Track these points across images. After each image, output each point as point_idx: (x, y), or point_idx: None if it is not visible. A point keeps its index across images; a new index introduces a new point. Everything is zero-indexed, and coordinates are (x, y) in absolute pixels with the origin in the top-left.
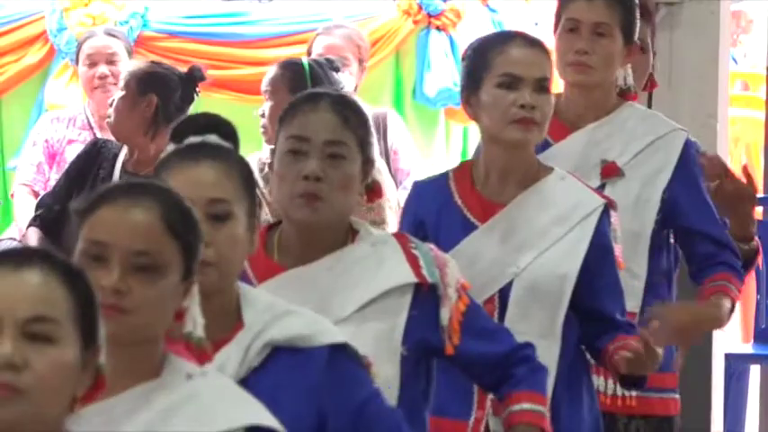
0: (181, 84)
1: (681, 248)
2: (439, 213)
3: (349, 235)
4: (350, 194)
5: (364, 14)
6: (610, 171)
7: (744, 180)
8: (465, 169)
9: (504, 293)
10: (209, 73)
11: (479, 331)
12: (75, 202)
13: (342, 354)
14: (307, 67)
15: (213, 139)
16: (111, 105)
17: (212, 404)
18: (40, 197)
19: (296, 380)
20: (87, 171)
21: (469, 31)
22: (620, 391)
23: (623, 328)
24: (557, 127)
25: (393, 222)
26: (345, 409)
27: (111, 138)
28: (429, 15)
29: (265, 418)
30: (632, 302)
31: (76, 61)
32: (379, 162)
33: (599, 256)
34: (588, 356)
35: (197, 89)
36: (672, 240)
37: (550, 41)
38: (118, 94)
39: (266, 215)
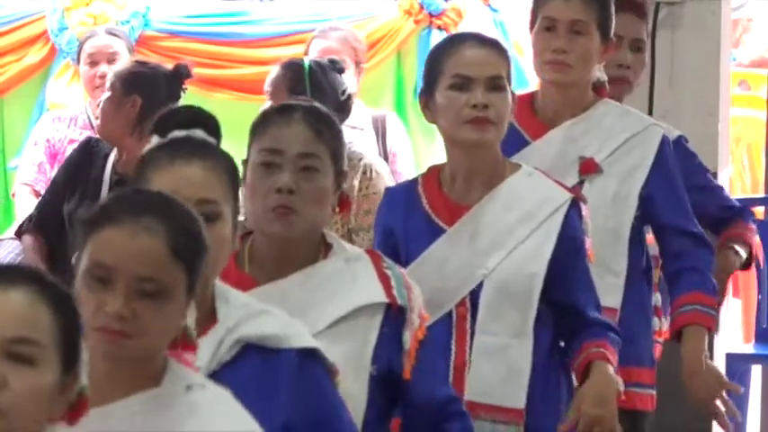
0: (166, 82)
1: (657, 244)
2: (406, 219)
3: (321, 249)
4: (323, 207)
5: (365, 14)
6: (588, 168)
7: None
8: (433, 173)
9: (474, 296)
10: (211, 72)
11: (424, 368)
12: (79, 210)
13: (311, 359)
14: (307, 68)
15: (199, 134)
16: (98, 107)
17: (213, 418)
18: (39, 200)
19: (264, 379)
20: (80, 171)
21: (471, 30)
22: None
23: (595, 326)
24: (534, 125)
25: None
26: (308, 417)
27: None
28: (430, 15)
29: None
30: (612, 299)
31: (78, 61)
32: (382, 164)
33: (569, 250)
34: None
35: (183, 87)
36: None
37: None
38: (104, 95)
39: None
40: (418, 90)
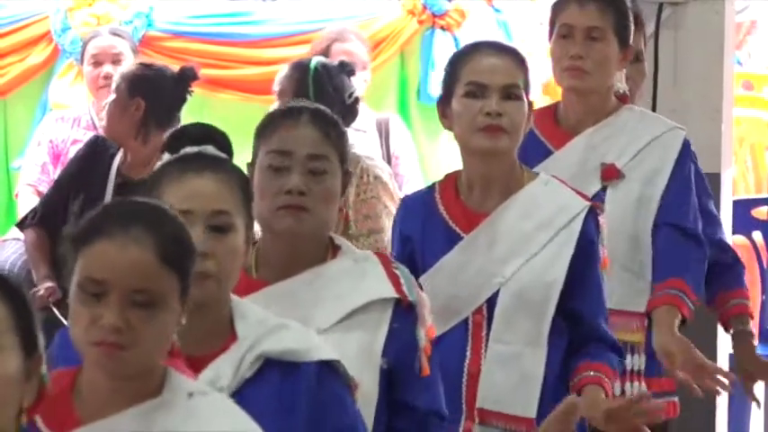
0: (172, 84)
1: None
2: (424, 226)
3: (329, 250)
4: (332, 207)
5: (368, 14)
6: (610, 173)
7: None
8: (450, 180)
9: (491, 303)
10: (215, 73)
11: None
12: (65, 228)
13: (330, 372)
14: (312, 70)
15: (210, 149)
16: (104, 108)
17: (214, 422)
18: (42, 196)
19: (284, 393)
20: (86, 170)
21: (474, 31)
22: (626, 393)
23: (597, 343)
24: (557, 134)
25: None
26: (327, 427)
27: None
28: (433, 15)
29: None
30: (639, 302)
31: (81, 61)
32: (384, 167)
33: (583, 259)
34: None
35: (190, 89)
36: None
37: None
38: (110, 97)
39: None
40: (421, 91)
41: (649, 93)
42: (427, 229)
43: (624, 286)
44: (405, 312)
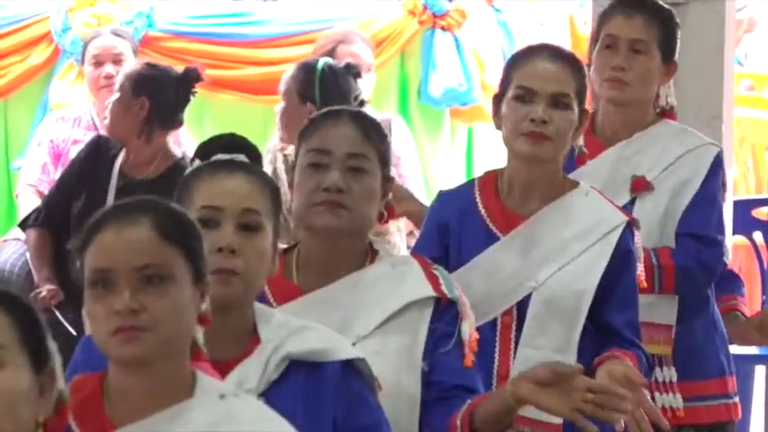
0: (176, 85)
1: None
2: (462, 219)
3: (368, 255)
4: (371, 207)
5: (369, 15)
6: (639, 186)
7: None
8: (490, 178)
9: (522, 306)
10: (215, 73)
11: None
12: (71, 240)
13: (354, 371)
14: (319, 71)
15: (242, 157)
16: (107, 107)
17: (249, 423)
18: (45, 196)
19: (311, 393)
20: (88, 170)
21: (474, 31)
22: (665, 404)
23: (626, 342)
24: (592, 143)
25: (400, 243)
26: (350, 427)
27: None
28: (434, 15)
29: None
30: (665, 314)
31: (82, 61)
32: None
33: (617, 271)
34: None
35: (193, 90)
36: None
37: (554, 41)
38: (114, 95)
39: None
40: (421, 91)
41: None
42: (465, 224)
43: (650, 298)
44: (445, 310)
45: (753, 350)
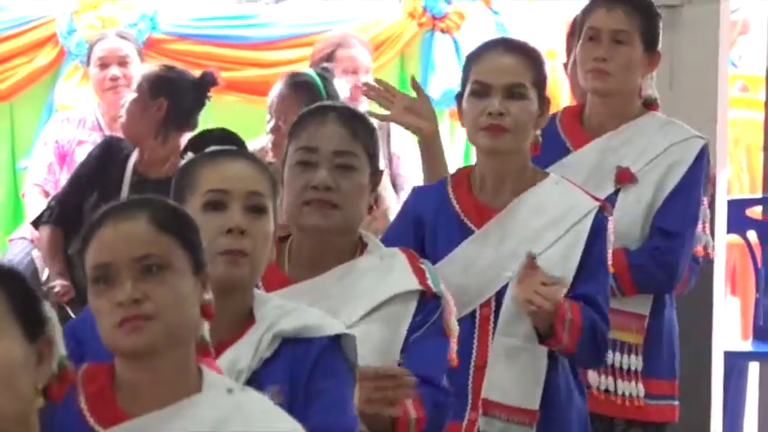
0: (193, 88)
1: None
2: (436, 215)
3: (358, 247)
4: (360, 203)
5: (369, 17)
6: (623, 177)
7: None
8: (463, 175)
9: (499, 297)
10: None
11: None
12: (73, 245)
13: (337, 347)
14: (319, 82)
15: (234, 149)
16: (123, 106)
17: (257, 418)
18: (54, 194)
19: (296, 367)
20: (101, 169)
21: (473, 33)
22: (625, 392)
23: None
24: (579, 135)
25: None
26: (310, 391)
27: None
28: (433, 18)
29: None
30: (640, 303)
31: (87, 63)
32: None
33: (587, 247)
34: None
35: (209, 94)
36: None
37: (553, 43)
38: (130, 95)
39: None
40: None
41: None
42: (439, 220)
43: None
44: (429, 303)
45: (746, 347)
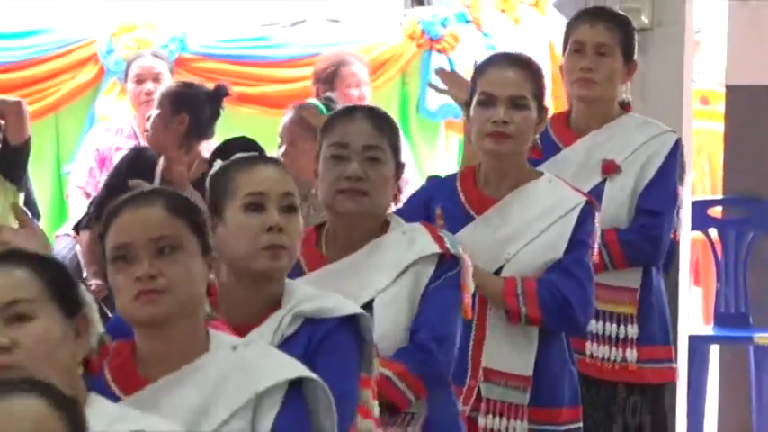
0: (209, 101)
1: None
2: (445, 203)
3: (384, 227)
4: (387, 191)
5: (374, 39)
6: (609, 168)
7: None
8: (470, 171)
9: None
10: (240, 90)
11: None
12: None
13: (348, 325)
14: (326, 113)
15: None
16: (148, 120)
17: (257, 366)
18: (91, 199)
19: (311, 344)
20: (132, 175)
21: (466, 53)
22: (617, 357)
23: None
24: (567, 135)
25: None
26: (310, 361)
27: None
28: (431, 40)
29: (305, 371)
30: (630, 278)
31: (125, 79)
32: None
33: (573, 243)
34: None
35: (222, 104)
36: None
37: (536, 61)
38: (154, 111)
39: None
40: (420, 106)
41: None
42: (447, 208)
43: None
44: (447, 263)
45: (708, 331)
